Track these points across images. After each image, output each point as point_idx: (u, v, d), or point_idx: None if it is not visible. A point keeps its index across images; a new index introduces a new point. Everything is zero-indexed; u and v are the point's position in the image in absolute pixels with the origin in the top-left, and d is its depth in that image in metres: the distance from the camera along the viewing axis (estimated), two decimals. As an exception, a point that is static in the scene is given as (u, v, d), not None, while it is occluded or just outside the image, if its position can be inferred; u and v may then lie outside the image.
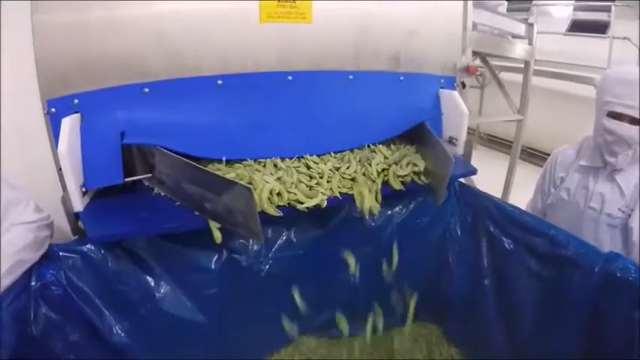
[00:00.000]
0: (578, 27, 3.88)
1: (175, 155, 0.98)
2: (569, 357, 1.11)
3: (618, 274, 0.98)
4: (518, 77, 2.58)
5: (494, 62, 2.66)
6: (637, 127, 1.14)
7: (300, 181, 1.13)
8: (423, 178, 1.23)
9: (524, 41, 2.30)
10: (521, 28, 2.28)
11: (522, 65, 2.48)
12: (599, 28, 3.66)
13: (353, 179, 1.17)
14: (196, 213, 1.01)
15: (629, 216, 1.21)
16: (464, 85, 1.53)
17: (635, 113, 1.13)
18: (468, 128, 1.43)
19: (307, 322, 1.34)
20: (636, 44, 3.39)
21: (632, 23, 3.44)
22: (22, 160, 1.12)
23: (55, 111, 1.00)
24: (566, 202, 1.33)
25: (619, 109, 1.15)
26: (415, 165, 1.23)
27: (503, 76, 2.71)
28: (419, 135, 1.30)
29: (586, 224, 1.28)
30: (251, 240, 1.16)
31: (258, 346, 1.33)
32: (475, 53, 1.89)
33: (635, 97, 1.12)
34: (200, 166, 0.95)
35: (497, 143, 4.46)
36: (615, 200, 1.24)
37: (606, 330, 1.02)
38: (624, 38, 3.37)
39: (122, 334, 1.06)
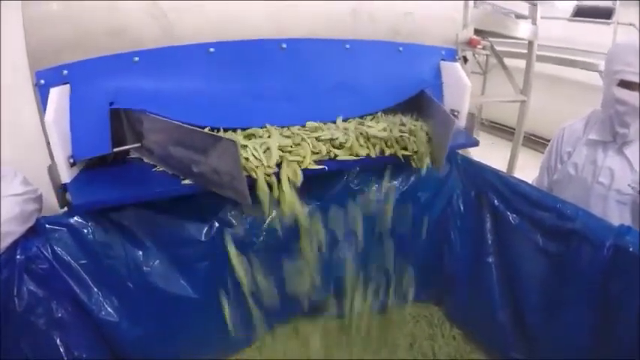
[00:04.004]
0: (582, 13, 3.84)
1: (162, 118, 0.95)
2: (578, 337, 1.07)
3: (630, 249, 0.94)
4: (521, 63, 2.55)
5: (497, 47, 2.62)
6: None
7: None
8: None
9: (527, 21, 2.26)
10: (524, 7, 2.24)
11: (525, 51, 2.45)
12: (604, 14, 3.62)
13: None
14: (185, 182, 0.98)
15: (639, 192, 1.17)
16: (465, 60, 1.49)
17: None
18: (470, 114, 1.39)
19: (303, 301, 1.30)
20: (640, 30, 3.34)
21: (637, 10, 3.40)
22: (11, 134, 1.09)
23: (44, 82, 0.97)
24: (574, 178, 1.29)
25: (631, 77, 1.12)
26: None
27: (506, 62, 2.67)
28: (420, 104, 1.26)
29: (594, 201, 1.24)
30: (243, 211, 1.12)
31: (254, 325, 1.28)
32: (478, 32, 1.85)
33: None
34: (185, 125, 0.92)
35: (499, 130, 4.42)
36: (625, 175, 1.20)
37: (618, 308, 0.98)
38: (630, 24, 3.32)
39: (110, 310, 1.03)
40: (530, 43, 2.29)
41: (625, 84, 1.13)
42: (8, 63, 1.04)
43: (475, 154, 1.50)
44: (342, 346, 1.36)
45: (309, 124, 1.14)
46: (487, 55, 3.38)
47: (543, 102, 3.05)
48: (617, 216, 1.19)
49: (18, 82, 1.03)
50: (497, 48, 2.58)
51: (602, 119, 1.24)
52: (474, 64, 3.87)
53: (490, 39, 2.30)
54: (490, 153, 1.63)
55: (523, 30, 2.18)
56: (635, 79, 1.11)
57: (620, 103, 1.14)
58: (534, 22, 2.27)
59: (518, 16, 2.29)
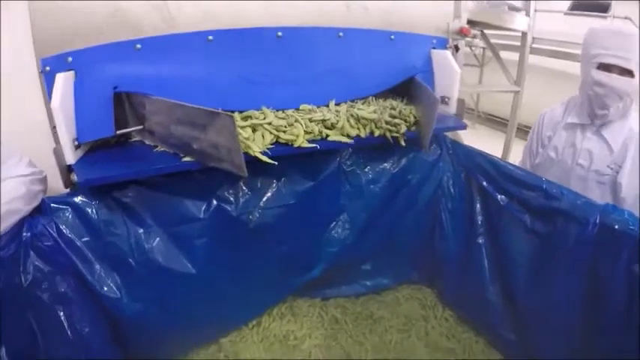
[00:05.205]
0: (578, 7, 3.86)
1: (164, 99, 0.99)
2: (567, 314, 1.09)
3: (616, 227, 0.96)
4: (517, 56, 2.58)
5: (493, 40, 2.65)
6: (627, 78, 1.15)
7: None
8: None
9: (521, 13, 2.29)
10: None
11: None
12: (600, 9, 3.64)
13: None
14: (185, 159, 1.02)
15: (618, 172, 1.21)
16: (457, 49, 1.52)
17: (624, 64, 1.14)
18: (467, 107, 1.43)
19: (298, 279, 1.35)
20: (637, 24, 3.36)
21: (633, 3, 3.42)
22: (17, 121, 1.14)
23: (49, 69, 1.01)
24: (555, 161, 1.33)
25: (609, 60, 1.15)
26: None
27: (503, 55, 2.70)
28: (410, 90, 1.31)
29: (575, 182, 1.27)
30: (241, 190, 1.17)
31: (251, 303, 1.33)
32: (472, 23, 1.89)
33: (624, 48, 1.13)
34: (186, 103, 0.96)
35: (496, 122, 4.45)
36: (603, 156, 1.24)
37: (605, 285, 1.00)
38: (625, 18, 3.34)
39: (112, 285, 1.06)
40: (524, 35, 2.33)
41: (604, 67, 1.17)
42: (11, 55, 1.08)
43: (471, 145, 1.53)
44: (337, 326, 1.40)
45: (303, 106, 1.19)
46: (483, 49, 3.42)
47: (540, 94, 3.07)
48: (598, 196, 1.21)
49: (22, 74, 1.07)
50: (495, 41, 2.61)
51: (581, 103, 1.28)
52: (471, 56, 3.91)
53: (486, 31, 2.35)
54: (485, 143, 1.65)
55: (516, 21, 2.22)
56: (612, 61, 1.14)
57: (599, 86, 1.17)
58: (528, 14, 2.30)
59: (513, 9, 2.31)
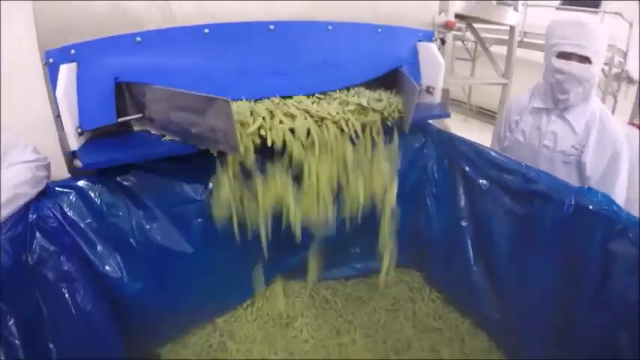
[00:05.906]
0: (570, 2, 3.92)
1: (165, 87, 1.06)
2: (546, 291, 1.15)
3: (590, 207, 1.01)
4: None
5: (484, 34, 2.71)
6: (584, 65, 1.24)
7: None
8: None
9: (509, 7, 2.35)
10: (509, -5, 2.33)
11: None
12: (591, 4, 3.70)
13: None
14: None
15: (582, 152, 1.30)
16: (443, 42, 1.58)
17: (581, 51, 1.23)
18: (459, 101, 1.49)
19: (289, 259, 1.41)
20: (628, 20, 3.43)
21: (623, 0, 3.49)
22: (20, 113, 1.19)
23: (52, 61, 1.06)
24: (522, 144, 1.42)
25: (568, 49, 1.25)
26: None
27: (495, 49, 2.77)
28: (396, 81, 1.37)
29: (542, 163, 1.35)
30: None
31: (245, 282, 1.38)
32: (460, 17, 1.95)
33: (580, 37, 1.23)
34: (185, 91, 1.02)
35: (487, 115, 4.52)
36: (567, 137, 1.33)
37: (581, 262, 1.05)
38: (616, 13, 3.40)
39: (114, 265, 1.12)
40: (512, 29, 2.38)
41: (563, 55, 1.27)
42: (13, 50, 1.13)
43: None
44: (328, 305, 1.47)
45: (316, 111, 1.23)
46: (475, 43, 3.47)
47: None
48: (564, 175, 1.29)
49: (24, 68, 1.12)
50: (488, 35, 2.66)
51: (545, 89, 1.37)
52: (463, 50, 3.97)
53: (478, 25, 2.40)
54: (476, 135, 1.71)
55: (504, 16, 2.27)
56: (571, 49, 1.24)
57: (559, 73, 1.27)
58: (516, 9, 2.36)
59: (502, 4, 2.37)
